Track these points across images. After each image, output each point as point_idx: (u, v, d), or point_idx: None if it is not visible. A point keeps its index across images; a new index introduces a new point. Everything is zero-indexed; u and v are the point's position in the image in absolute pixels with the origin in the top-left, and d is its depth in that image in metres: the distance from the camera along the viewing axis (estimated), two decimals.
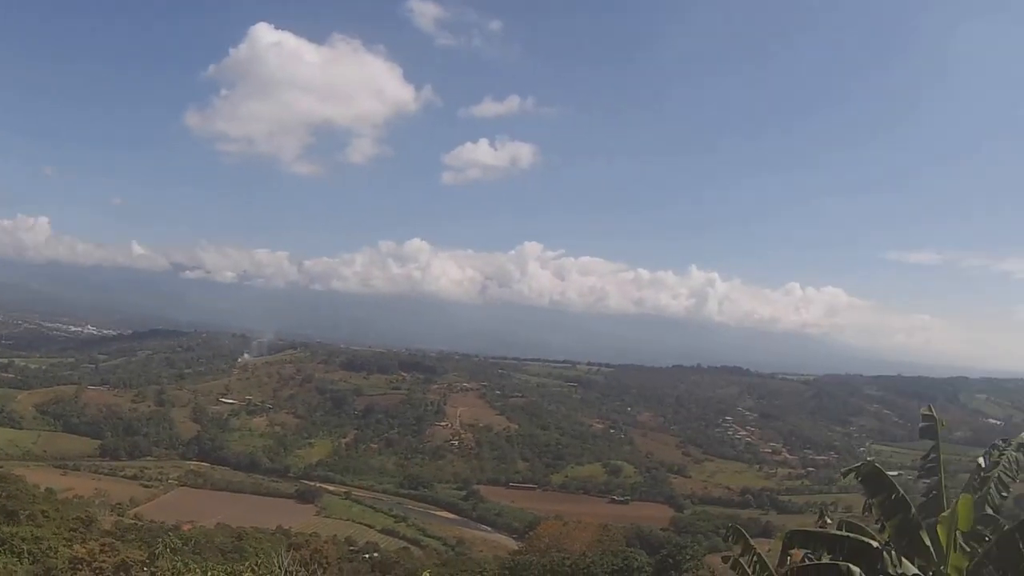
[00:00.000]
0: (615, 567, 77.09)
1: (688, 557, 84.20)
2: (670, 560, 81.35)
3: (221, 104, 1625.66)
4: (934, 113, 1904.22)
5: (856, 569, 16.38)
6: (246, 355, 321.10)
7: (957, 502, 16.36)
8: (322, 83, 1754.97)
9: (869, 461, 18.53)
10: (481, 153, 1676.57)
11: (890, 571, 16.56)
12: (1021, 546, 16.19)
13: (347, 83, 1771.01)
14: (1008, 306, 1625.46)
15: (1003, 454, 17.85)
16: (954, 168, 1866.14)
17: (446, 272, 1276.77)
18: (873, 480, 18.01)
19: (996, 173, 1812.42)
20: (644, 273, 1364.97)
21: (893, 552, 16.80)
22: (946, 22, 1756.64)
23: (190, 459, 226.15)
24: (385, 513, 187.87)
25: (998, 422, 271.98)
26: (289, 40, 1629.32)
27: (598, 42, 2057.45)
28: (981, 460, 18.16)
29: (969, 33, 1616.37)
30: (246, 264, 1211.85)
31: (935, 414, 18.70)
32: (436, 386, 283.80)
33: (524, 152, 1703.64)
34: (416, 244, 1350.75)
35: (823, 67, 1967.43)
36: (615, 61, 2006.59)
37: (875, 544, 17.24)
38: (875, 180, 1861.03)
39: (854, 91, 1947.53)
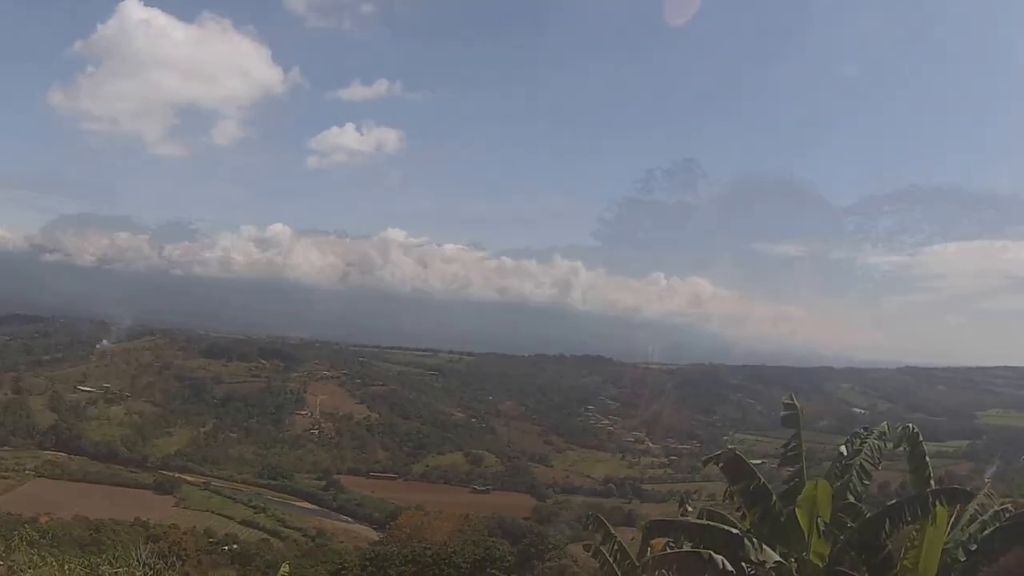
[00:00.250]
0: (477, 557, 77.13)
1: (551, 546, 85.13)
2: (532, 549, 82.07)
3: (86, 82, 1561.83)
4: (802, 105, 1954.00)
5: (718, 557, 16.22)
6: (105, 342, 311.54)
7: (814, 487, 16.33)
8: (190, 63, 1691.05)
9: (730, 449, 18.44)
10: (347, 138, 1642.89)
11: (752, 558, 16.46)
12: (882, 533, 16.30)
13: (215, 64, 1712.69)
14: (874, 298, 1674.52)
15: (865, 442, 17.94)
16: (820, 160, 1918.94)
17: (308, 258, 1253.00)
18: (734, 468, 17.91)
19: (864, 167, 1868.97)
20: (508, 261, 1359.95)
21: (755, 539, 16.70)
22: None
23: (47, 449, 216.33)
24: (244, 504, 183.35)
25: (862, 411, 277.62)
26: (158, 17, 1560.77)
27: (468, 29, 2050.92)
28: (843, 448, 18.22)
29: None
30: (106, 247, 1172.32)
31: (796, 402, 18.75)
32: (296, 374, 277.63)
33: (390, 138, 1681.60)
34: (278, 229, 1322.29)
35: (711, 56, 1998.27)
36: (485, 48, 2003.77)
37: (736, 531, 17.14)
38: (741, 167, 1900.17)
39: (738, 87, 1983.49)
